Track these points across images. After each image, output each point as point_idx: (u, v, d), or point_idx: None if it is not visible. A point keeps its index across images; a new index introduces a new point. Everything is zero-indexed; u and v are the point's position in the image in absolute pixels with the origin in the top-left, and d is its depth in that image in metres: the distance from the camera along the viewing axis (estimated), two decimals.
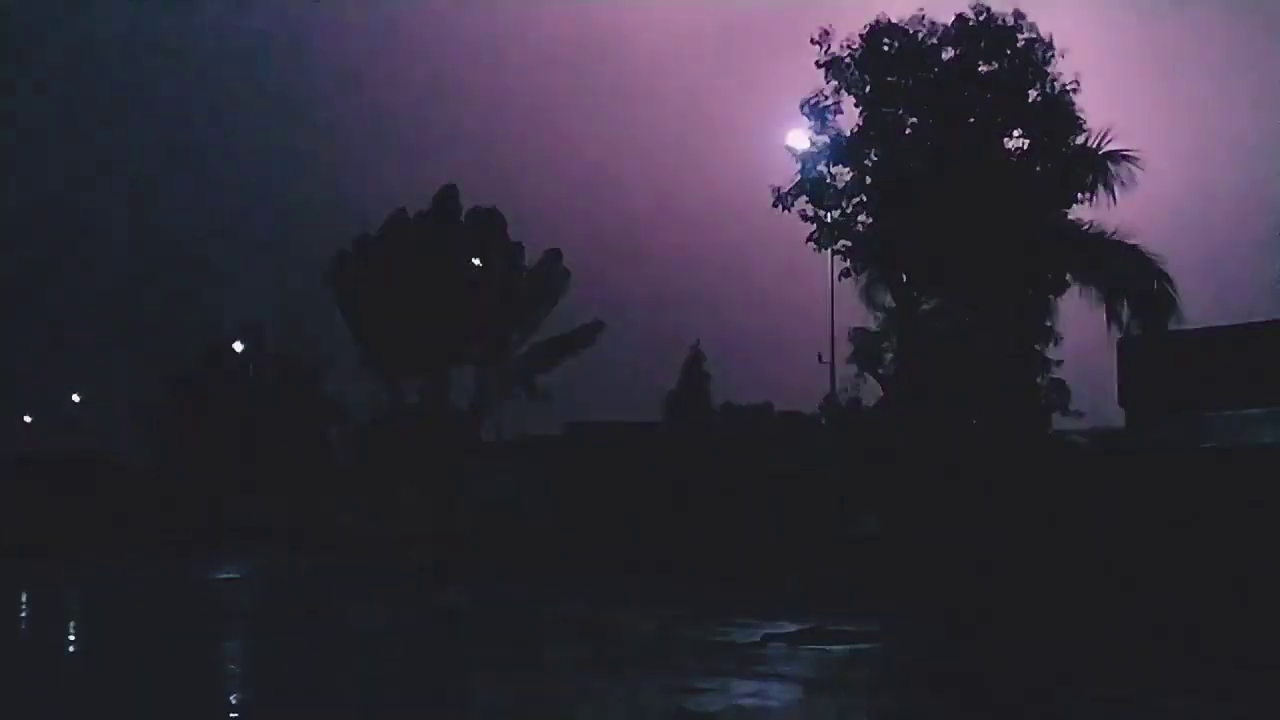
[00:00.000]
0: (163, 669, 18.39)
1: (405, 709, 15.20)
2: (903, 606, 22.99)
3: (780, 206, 29.07)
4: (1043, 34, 27.73)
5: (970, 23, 27.94)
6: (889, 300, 29.44)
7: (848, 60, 28.61)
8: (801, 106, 29.06)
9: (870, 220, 29.23)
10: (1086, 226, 27.89)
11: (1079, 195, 27.68)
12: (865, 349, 29.72)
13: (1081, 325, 27.88)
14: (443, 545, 39.36)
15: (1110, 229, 27.63)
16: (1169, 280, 27.20)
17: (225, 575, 37.36)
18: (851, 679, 16.50)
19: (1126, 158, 27.25)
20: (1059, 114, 27.57)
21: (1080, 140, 27.59)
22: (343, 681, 17.20)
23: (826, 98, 28.88)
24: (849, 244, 29.29)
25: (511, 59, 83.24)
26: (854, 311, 29.94)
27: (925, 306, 29.34)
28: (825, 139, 29.01)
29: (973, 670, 17.07)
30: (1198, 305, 27.40)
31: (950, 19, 28.19)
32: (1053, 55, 27.58)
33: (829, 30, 28.64)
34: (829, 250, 29.71)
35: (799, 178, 29.10)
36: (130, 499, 57.81)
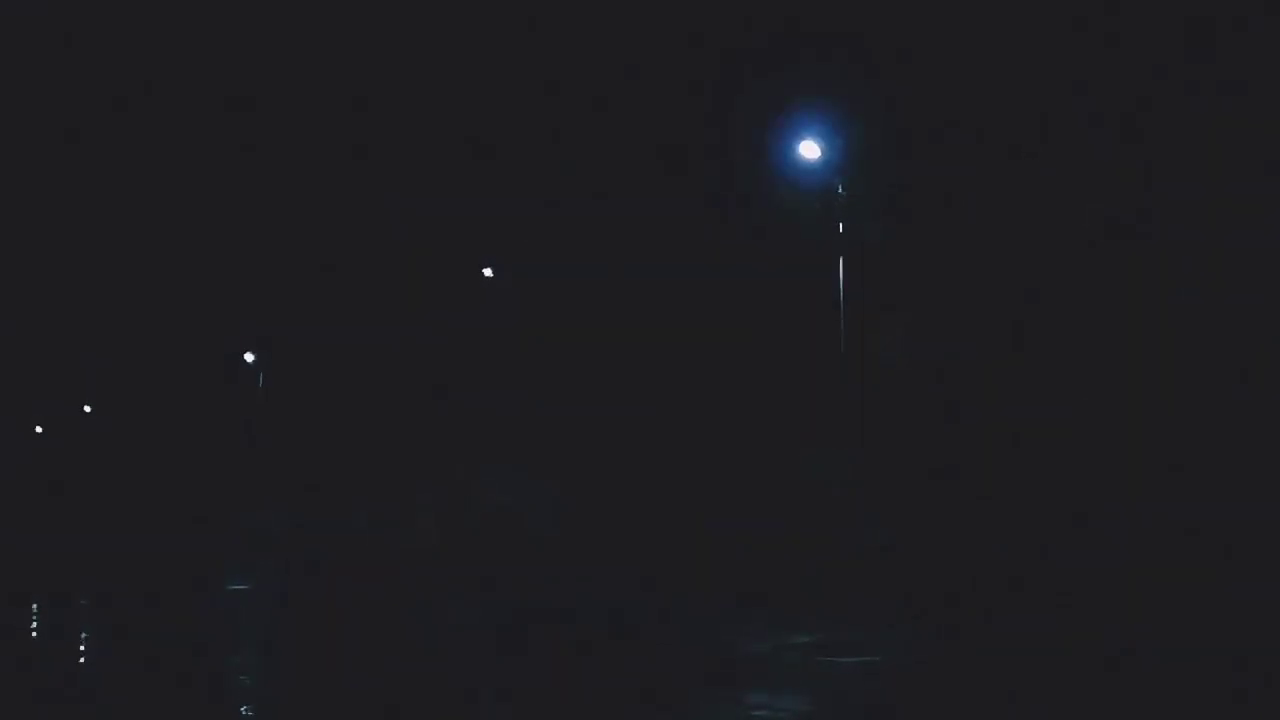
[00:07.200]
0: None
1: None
2: (915, 618, 22.89)
3: (791, 215, 29.12)
4: None
5: None
6: (900, 309, 29.44)
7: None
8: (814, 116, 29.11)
9: (881, 230, 29.22)
10: None
11: None
12: (876, 358, 29.69)
13: None
14: (451, 552, 39.29)
15: None
16: None
17: (236, 587, 37.29)
18: (863, 690, 16.42)
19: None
20: None
21: None
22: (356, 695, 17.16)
23: None
24: (860, 255, 29.29)
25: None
26: (864, 318, 29.94)
27: (935, 316, 29.34)
28: (837, 149, 29.00)
29: (981, 679, 16.99)
30: None
31: None
32: None
33: None
34: (840, 260, 29.68)
35: (811, 188, 29.13)
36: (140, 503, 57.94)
